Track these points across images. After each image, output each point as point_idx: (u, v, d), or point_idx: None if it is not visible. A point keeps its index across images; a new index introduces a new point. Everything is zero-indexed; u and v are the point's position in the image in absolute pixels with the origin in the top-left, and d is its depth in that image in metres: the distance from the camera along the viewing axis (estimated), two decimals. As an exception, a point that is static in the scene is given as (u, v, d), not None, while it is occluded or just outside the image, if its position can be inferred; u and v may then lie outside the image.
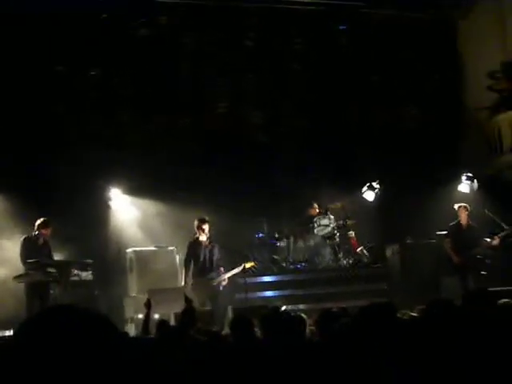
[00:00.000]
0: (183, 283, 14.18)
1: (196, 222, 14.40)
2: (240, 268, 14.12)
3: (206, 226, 14.28)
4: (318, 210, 16.66)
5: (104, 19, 16.33)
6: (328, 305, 12.39)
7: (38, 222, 13.62)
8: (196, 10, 16.99)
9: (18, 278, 13.19)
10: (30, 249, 13.37)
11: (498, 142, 18.50)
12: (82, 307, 2.14)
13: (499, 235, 14.74)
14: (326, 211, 16.61)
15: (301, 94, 17.99)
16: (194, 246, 14.37)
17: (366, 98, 18.13)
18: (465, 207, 15.10)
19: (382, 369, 4.06)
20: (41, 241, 13.61)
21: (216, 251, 14.43)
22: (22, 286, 13.25)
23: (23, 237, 13.62)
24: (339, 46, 17.88)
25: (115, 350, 2.08)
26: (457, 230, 15.06)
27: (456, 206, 15.24)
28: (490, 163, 18.44)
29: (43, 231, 13.58)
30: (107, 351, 2.04)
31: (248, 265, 14.22)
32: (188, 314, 8.69)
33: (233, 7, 17.21)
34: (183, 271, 14.43)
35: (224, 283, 14.21)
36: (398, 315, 6.41)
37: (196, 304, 12.17)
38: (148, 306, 9.69)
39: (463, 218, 15.03)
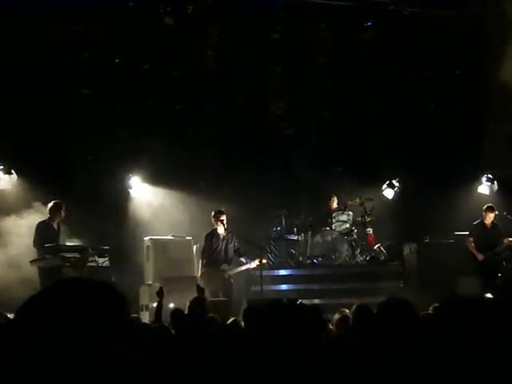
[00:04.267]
0: (199, 274, 14.29)
1: (213, 214, 14.47)
2: (253, 264, 14.19)
3: (223, 218, 14.34)
4: (336, 204, 16.62)
5: (130, 7, 16.36)
6: (343, 301, 12.40)
7: (50, 204, 13.61)
8: (223, 0, 17.00)
9: (34, 262, 13.20)
10: (45, 233, 13.35)
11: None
12: (90, 278, 2.13)
13: None
14: (345, 207, 16.59)
15: (325, 87, 17.95)
16: (212, 237, 14.46)
17: (389, 94, 18.06)
18: (494, 210, 15.03)
19: (399, 365, 4.05)
20: (55, 225, 13.61)
21: (233, 240, 14.53)
22: (35, 268, 13.26)
23: (38, 221, 13.62)
24: (364, 42, 17.82)
25: (124, 320, 2.07)
26: (481, 229, 15.03)
27: (484, 207, 15.18)
28: (511, 165, 18.29)
29: (56, 215, 13.56)
30: (117, 323, 2.03)
31: (263, 261, 14.26)
32: (198, 303, 8.69)
33: (260, -1, 17.22)
34: (200, 262, 14.53)
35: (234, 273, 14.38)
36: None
37: (207, 294, 12.24)
38: (160, 294, 9.71)
39: (489, 218, 14.97)
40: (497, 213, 15.01)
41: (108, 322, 2.01)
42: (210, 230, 14.60)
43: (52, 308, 1.99)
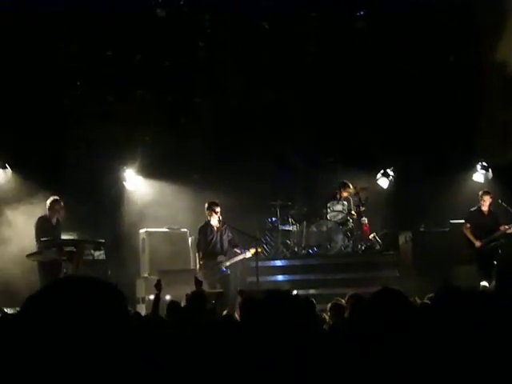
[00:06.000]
0: (197, 267, 14.31)
1: (207, 206, 14.48)
2: (248, 254, 14.22)
3: (218, 209, 14.35)
4: (352, 191, 16.53)
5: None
6: (339, 291, 12.41)
7: (49, 201, 13.70)
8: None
9: (31, 255, 13.26)
10: (44, 228, 13.46)
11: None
12: (90, 276, 2.15)
13: None
14: (340, 196, 16.60)
15: (318, 77, 17.91)
16: (206, 229, 14.47)
17: (382, 84, 18.03)
18: (489, 193, 15.06)
19: (393, 355, 4.06)
20: (54, 220, 13.71)
21: (227, 232, 14.54)
22: (35, 263, 13.34)
23: (38, 216, 13.70)
24: (356, 31, 17.76)
25: (124, 318, 2.08)
26: (478, 216, 15.04)
27: (480, 192, 15.20)
28: (505, 153, 18.31)
29: (55, 210, 13.66)
30: (116, 320, 2.05)
31: (258, 250, 14.30)
32: (197, 296, 8.68)
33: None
34: (196, 255, 14.56)
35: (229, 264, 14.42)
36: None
37: (206, 287, 12.25)
38: (158, 287, 9.72)
39: (486, 204, 14.99)
40: (492, 196, 15.04)
41: (107, 320, 2.03)
42: (203, 223, 14.62)
43: (52, 307, 2.01)
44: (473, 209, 15.24)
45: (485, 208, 15.06)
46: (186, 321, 7.39)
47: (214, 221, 14.44)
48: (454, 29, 18.09)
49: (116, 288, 2.13)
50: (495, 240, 14.83)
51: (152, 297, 10.32)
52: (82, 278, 2.13)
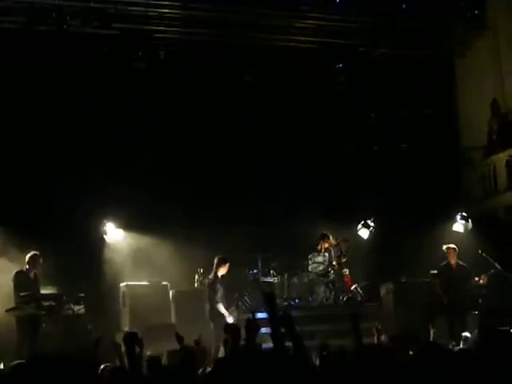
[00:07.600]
0: (226, 314, 14.27)
1: (218, 261, 14.50)
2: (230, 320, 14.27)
3: (225, 267, 14.44)
4: (333, 242, 16.58)
5: (104, 52, 16.42)
6: (321, 342, 12.34)
7: (29, 255, 13.61)
8: (194, 45, 17.07)
9: (10, 310, 13.13)
10: (22, 282, 13.34)
11: (492, 182, 18.51)
12: (67, 356, 2.15)
13: (487, 274, 14.75)
14: (321, 248, 16.61)
15: (298, 130, 18.01)
16: (217, 284, 14.49)
17: (362, 135, 18.19)
18: (453, 248, 15.14)
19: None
20: (32, 274, 13.60)
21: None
22: (13, 318, 13.19)
23: (15, 271, 13.57)
24: (335, 84, 17.91)
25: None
26: (447, 271, 15.09)
27: (444, 248, 15.27)
28: (484, 203, 18.46)
29: (33, 265, 13.56)
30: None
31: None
32: (189, 355, 8.53)
33: (231, 44, 17.28)
34: (218, 306, 14.40)
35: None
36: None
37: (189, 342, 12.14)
38: (140, 344, 9.54)
39: (451, 258, 15.07)
40: (456, 249, 15.13)
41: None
42: (212, 278, 14.56)
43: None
44: (442, 264, 15.30)
45: (453, 261, 15.13)
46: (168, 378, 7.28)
47: (220, 274, 14.53)
48: (432, 80, 18.35)
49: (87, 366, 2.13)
50: (468, 293, 14.87)
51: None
52: (53, 357, 2.14)
